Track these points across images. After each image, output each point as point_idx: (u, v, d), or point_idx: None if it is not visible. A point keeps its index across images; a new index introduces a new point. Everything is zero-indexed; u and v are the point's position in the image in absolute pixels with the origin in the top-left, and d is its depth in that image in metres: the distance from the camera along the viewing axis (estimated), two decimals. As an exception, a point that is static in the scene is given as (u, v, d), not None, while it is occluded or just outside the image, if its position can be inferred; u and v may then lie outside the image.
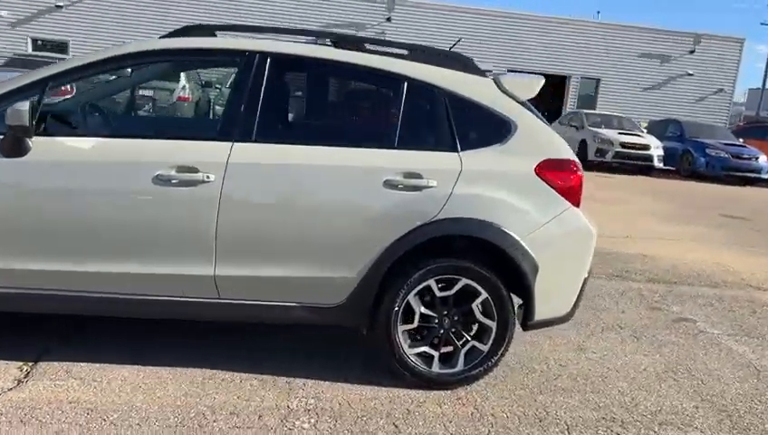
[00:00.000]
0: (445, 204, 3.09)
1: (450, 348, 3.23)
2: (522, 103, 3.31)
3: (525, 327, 3.31)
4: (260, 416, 2.84)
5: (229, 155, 2.98)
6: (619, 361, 3.81)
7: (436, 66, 3.29)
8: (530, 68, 21.58)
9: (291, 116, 3.47)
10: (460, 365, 3.23)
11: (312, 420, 2.84)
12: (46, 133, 2.93)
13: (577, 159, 3.35)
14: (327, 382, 3.19)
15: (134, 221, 2.96)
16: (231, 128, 3.07)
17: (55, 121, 3.02)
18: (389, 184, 3.06)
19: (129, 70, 3.59)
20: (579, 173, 3.29)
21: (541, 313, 3.25)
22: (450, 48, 3.86)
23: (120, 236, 2.97)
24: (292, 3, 22.94)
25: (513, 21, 24.02)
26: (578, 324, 4.22)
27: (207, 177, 2.95)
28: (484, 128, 3.30)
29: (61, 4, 21.35)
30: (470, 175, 3.14)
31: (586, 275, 3.37)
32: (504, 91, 3.29)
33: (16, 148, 2.86)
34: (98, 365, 3.14)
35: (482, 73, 3.36)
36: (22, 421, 2.62)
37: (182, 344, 3.45)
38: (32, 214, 2.93)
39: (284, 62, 3.21)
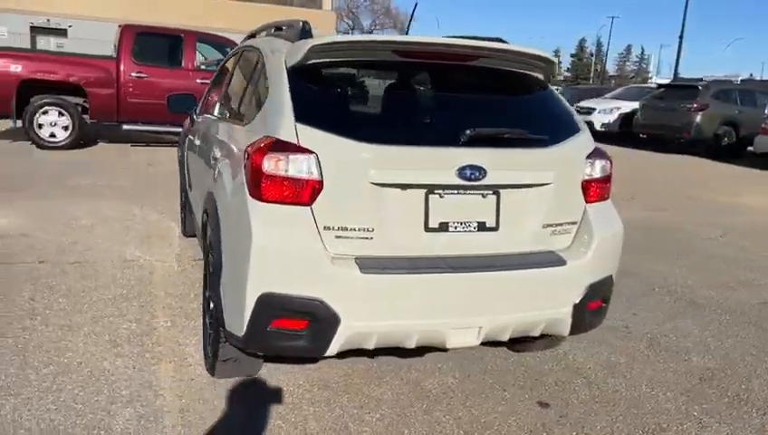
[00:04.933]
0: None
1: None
2: (291, 70, 2.64)
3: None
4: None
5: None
6: None
7: (276, 39, 3.19)
8: None
9: (223, 96, 3.94)
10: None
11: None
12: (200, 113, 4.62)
13: (295, 141, 2.43)
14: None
15: (198, 165, 4.08)
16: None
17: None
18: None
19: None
20: (261, 156, 2.43)
21: (227, 321, 2.65)
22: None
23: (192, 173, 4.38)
24: None
25: None
26: None
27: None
28: (263, 100, 2.83)
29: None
30: (229, 151, 3.01)
31: (265, 292, 2.42)
32: (285, 58, 2.73)
33: (192, 120, 4.72)
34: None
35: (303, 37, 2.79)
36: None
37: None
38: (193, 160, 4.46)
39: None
